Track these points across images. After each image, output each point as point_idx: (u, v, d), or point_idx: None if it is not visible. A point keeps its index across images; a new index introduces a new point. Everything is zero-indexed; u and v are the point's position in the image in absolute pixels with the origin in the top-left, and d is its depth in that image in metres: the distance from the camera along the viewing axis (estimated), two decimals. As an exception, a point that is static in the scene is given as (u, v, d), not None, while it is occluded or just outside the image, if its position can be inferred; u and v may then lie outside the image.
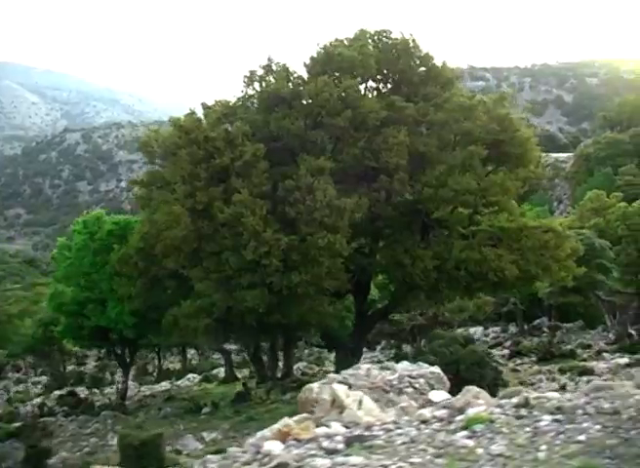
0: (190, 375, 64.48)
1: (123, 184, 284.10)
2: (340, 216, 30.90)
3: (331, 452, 7.41)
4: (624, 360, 37.67)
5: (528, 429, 7.37)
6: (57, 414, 45.02)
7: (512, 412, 8.03)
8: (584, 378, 31.97)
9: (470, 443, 7.17)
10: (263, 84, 35.37)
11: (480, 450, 6.85)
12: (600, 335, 60.52)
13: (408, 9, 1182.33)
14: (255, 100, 35.87)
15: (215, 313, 32.39)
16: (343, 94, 33.32)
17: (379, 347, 76.58)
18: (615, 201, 75.12)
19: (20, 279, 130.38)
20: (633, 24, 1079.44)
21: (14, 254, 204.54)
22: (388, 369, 12.32)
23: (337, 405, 9.75)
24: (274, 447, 7.80)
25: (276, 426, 8.53)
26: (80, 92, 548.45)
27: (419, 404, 10.76)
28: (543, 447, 6.68)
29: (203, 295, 32.44)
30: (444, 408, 8.78)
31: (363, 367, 12.51)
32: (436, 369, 12.50)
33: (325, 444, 7.67)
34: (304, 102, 34.11)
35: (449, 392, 28.72)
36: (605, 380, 31.61)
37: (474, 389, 10.09)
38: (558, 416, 7.60)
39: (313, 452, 7.44)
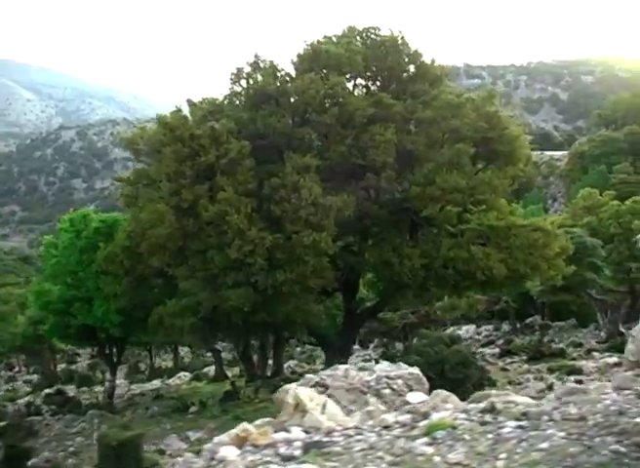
0: (181, 374, 64.16)
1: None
2: (325, 215, 30.71)
3: (287, 459, 7.15)
4: (613, 359, 37.41)
5: (490, 436, 7.12)
6: (43, 413, 44.68)
7: (477, 418, 7.75)
8: (572, 378, 31.75)
9: (429, 450, 6.92)
10: (250, 81, 35.14)
11: (437, 458, 6.60)
12: (592, 334, 60.35)
13: (403, 6, 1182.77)
14: (242, 98, 35.63)
15: (200, 312, 32.17)
16: (330, 91, 33.10)
17: (372, 345, 76.51)
18: (607, 199, 75.06)
19: (14, 276, 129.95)
20: (629, 23, 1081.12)
21: (8, 252, 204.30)
22: (367, 369, 12.07)
23: (300, 409, 9.53)
24: (229, 452, 7.51)
25: (234, 431, 8.29)
26: (75, 89, 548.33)
27: (396, 405, 10.56)
28: (503, 455, 6.43)
29: (188, 294, 32.25)
30: (408, 412, 8.52)
31: (341, 367, 12.23)
32: (415, 369, 12.19)
33: (282, 450, 7.41)
34: (291, 100, 33.85)
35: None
36: (592, 380, 31.47)
37: (443, 393, 9.85)
38: (523, 423, 7.31)
39: (268, 459, 7.18)
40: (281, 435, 8.02)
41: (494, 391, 11.98)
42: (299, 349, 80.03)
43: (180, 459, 7.96)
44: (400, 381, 11.94)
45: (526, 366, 42.59)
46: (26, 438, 34.84)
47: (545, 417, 7.28)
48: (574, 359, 42.98)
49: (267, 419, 9.51)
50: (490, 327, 75.54)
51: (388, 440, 7.52)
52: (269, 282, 30.21)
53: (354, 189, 33.76)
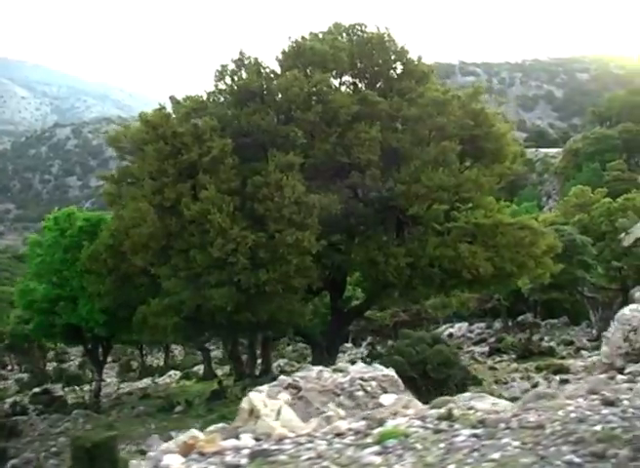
0: (172, 372, 64.08)
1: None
2: (308, 213, 30.45)
3: (232, 468, 6.91)
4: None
5: (442, 445, 6.88)
6: (29, 413, 44.39)
7: (433, 426, 7.48)
8: (557, 377, 31.54)
9: (377, 460, 6.69)
10: (235, 78, 34.84)
11: (384, 469, 6.38)
12: (584, 332, 60.27)
13: (398, 3, 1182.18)
14: (226, 95, 35.36)
15: (184, 311, 31.90)
16: (314, 88, 32.82)
17: (364, 343, 76.40)
18: (599, 197, 74.94)
19: (9, 275, 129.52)
20: (624, 20, 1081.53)
21: (3, 250, 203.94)
22: (342, 371, 11.87)
23: (255, 414, 9.30)
24: (173, 461, 7.24)
25: (182, 437, 8.07)
26: (70, 86, 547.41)
27: (369, 408, 10.35)
28: (452, 466, 6.20)
29: (171, 293, 31.95)
30: (363, 419, 8.28)
31: (315, 368, 12.02)
32: (390, 371, 11.97)
33: (229, 458, 7.16)
34: (275, 97, 33.55)
35: (416, 394, 28.21)
36: (579, 379, 31.23)
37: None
38: (478, 431, 7.05)
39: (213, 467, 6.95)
40: (230, 442, 7.75)
41: (470, 393, 11.73)
42: (290, 348, 79.89)
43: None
44: (374, 383, 11.69)
45: (514, 364, 42.42)
46: (9, 438, 34.59)
47: (502, 425, 7.01)
48: (563, 357, 42.80)
49: (221, 425, 9.27)
50: (482, 324, 75.38)
51: (338, 448, 7.26)
52: (252, 281, 29.91)
53: (339, 187, 33.49)
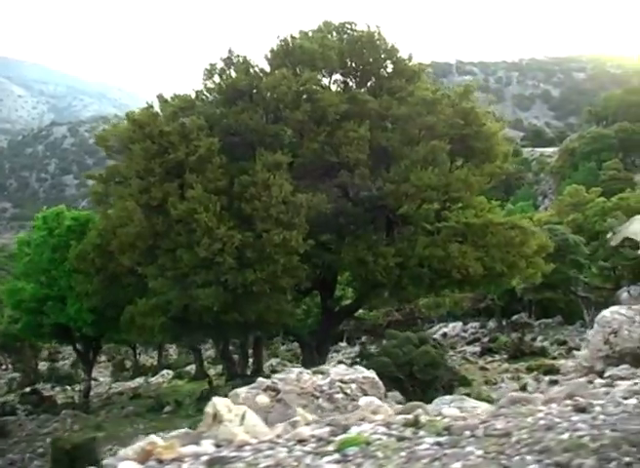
0: (165, 372, 63.69)
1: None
2: (296, 213, 30.28)
3: (187, 476, 6.69)
4: (593, 358, 37.03)
5: (403, 454, 6.66)
6: (18, 413, 44.10)
7: (397, 433, 7.23)
8: (546, 378, 31.31)
9: (335, 469, 6.51)
10: (224, 77, 34.65)
11: (340, 479, 6.18)
12: (578, 331, 59.99)
13: (395, 3, 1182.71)
14: (215, 94, 35.16)
15: (171, 311, 31.71)
16: (303, 87, 32.62)
17: (359, 342, 76.15)
18: (594, 196, 74.90)
19: (5, 273, 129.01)
20: (620, 20, 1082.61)
21: (0, 248, 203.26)
22: (322, 373, 11.69)
23: (218, 419, 9.08)
24: (128, 468, 7.02)
25: (140, 444, 7.84)
26: (67, 85, 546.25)
27: (348, 410, 10.15)
28: (410, 476, 6.01)
29: (158, 293, 31.78)
30: (328, 425, 8.05)
31: (294, 370, 11.83)
32: (370, 373, 11.78)
33: (186, 465, 6.91)
34: (264, 96, 33.32)
35: (404, 395, 27.98)
36: (569, 380, 30.97)
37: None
38: (443, 438, 6.81)
39: (168, 476, 6.73)
40: (189, 448, 7.49)
41: (451, 396, 11.52)
42: (284, 347, 79.61)
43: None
44: (354, 385, 11.48)
45: (506, 365, 42.24)
46: (-4, 438, 34.39)
47: (468, 433, 6.76)
48: (554, 358, 42.57)
49: (185, 430, 9.04)
50: (476, 324, 75.16)
51: (297, 456, 7.03)
52: (239, 281, 29.73)
53: (328, 187, 33.32)
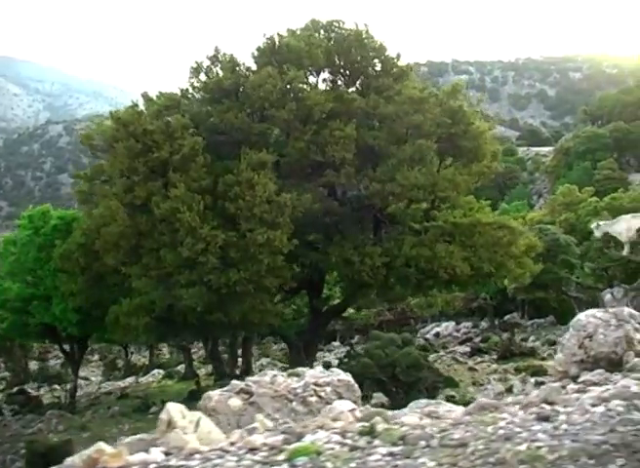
0: (156, 371, 63.47)
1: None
2: (280, 212, 30.02)
3: (132, 486, 6.44)
4: (581, 359, 36.75)
5: (353, 465, 6.44)
6: (4, 413, 43.79)
7: (352, 442, 6.97)
8: (532, 380, 31.03)
9: (282, 480, 6.27)
10: (210, 75, 34.41)
11: (285, 491, 5.95)
12: (570, 331, 59.68)
13: (391, 2, 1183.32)
14: (201, 92, 34.92)
15: (155, 311, 31.46)
16: (289, 85, 32.40)
17: (352, 341, 75.93)
18: (586, 195, 74.83)
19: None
20: (616, 20, 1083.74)
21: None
22: (298, 375, 11.45)
23: (172, 426, 8.83)
24: (74, 477, 6.76)
25: (87, 452, 7.59)
26: (63, 83, 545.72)
27: (322, 414, 9.92)
28: (357, 488, 5.77)
29: (142, 293, 31.53)
30: (282, 433, 7.79)
31: (269, 373, 11.58)
32: (346, 376, 11.51)
33: (132, 474, 6.71)
34: (250, 94, 33.03)
35: (388, 397, 27.61)
36: (554, 381, 30.72)
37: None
38: (397, 448, 6.56)
39: (113, 485, 6.47)
40: (138, 456, 7.24)
41: (425, 400, 11.26)
42: (276, 346, 79.37)
43: None
44: (328, 389, 11.19)
45: (495, 365, 42.02)
46: (-22, 439, 34.12)
47: (423, 443, 6.51)
48: (543, 358, 42.32)
49: (139, 436, 8.77)
50: (469, 324, 75.02)
51: (246, 465, 6.78)
52: (223, 281, 29.45)
53: (314, 186, 33.10)
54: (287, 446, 7.17)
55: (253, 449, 7.25)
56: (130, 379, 62.27)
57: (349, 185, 33.15)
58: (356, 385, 11.45)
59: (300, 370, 12.12)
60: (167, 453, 7.44)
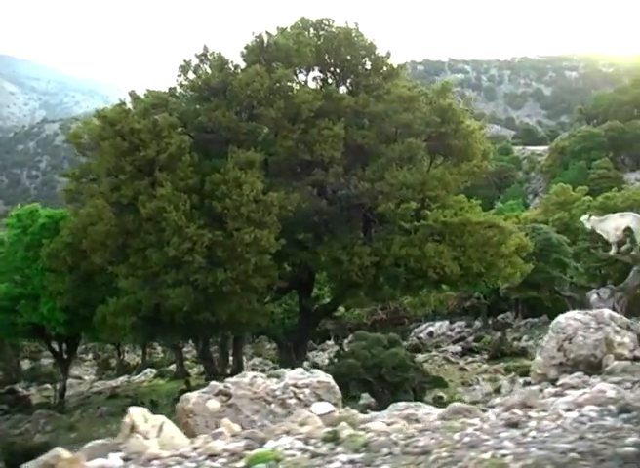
0: (148, 370, 63.20)
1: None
2: (267, 211, 29.80)
3: (89, 492, 6.28)
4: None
5: (312, 473, 6.28)
6: (-8, 413, 43.64)
7: (314, 448, 6.79)
8: (521, 380, 30.89)
9: (239, 487, 6.10)
10: (198, 73, 34.18)
11: (240, 499, 5.79)
12: (563, 331, 59.53)
13: (388, 1, 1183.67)
14: (189, 91, 34.68)
15: (142, 311, 31.25)
16: (277, 84, 32.20)
17: (346, 341, 75.75)
18: (580, 195, 74.71)
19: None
20: (612, 19, 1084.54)
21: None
22: (278, 376, 11.27)
23: (135, 430, 8.63)
24: (30, 484, 6.58)
25: (44, 457, 7.41)
26: (59, 82, 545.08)
27: (300, 416, 9.75)
28: (313, 498, 5.60)
29: (129, 293, 31.31)
30: (245, 438, 7.60)
31: (248, 374, 11.42)
32: (326, 377, 11.32)
33: (87, 481, 6.53)
34: (238, 93, 32.81)
35: (374, 398, 27.37)
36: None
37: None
38: (359, 456, 6.38)
39: (70, 492, 6.29)
40: (95, 463, 7.07)
41: (404, 403, 11.07)
42: (269, 346, 79.21)
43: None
44: (308, 390, 10.99)
45: (485, 365, 41.91)
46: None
47: (385, 450, 6.34)
48: (533, 358, 42.20)
49: (101, 441, 8.58)
50: (462, 323, 74.92)
51: (204, 472, 6.66)
52: (209, 280, 29.23)
53: (302, 185, 32.91)
54: (248, 452, 7.00)
55: (213, 456, 7.08)
56: (122, 378, 62.06)
57: (338, 184, 32.94)
58: (336, 387, 11.28)
59: (280, 371, 11.95)
60: (126, 459, 7.26)
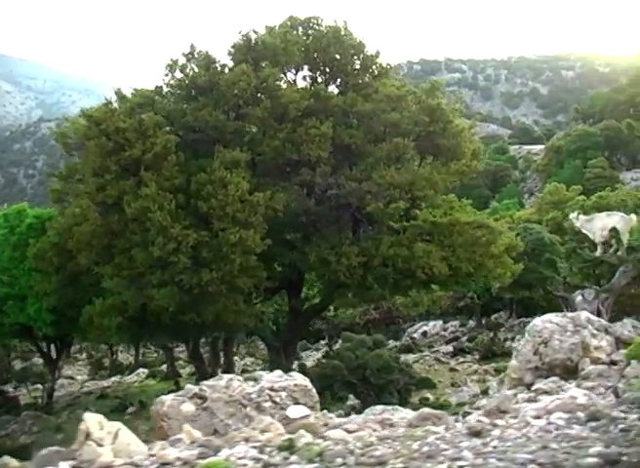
0: (140, 370, 63.06)
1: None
2: (253, 211, 29.60)
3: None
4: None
5: (259, 484, 6.09)
6: (-20, 414, 43.40)
7: (267, 457, 6.62)
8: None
9: (183, 498, 5.96)
10: (185, 72, 33.98)
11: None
12: (556, 331, 59.33)
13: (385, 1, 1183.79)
14: (176, 90, 34.49)
15: (128, 311, 31.06)
16: (264, 83, 32.02)
17: (340, 341, 75.60)
18: (574, 194, 74.56)
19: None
20: (609, 19, 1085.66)
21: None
22: (255, 379, 11.11)
23: (89, 437, 8.43)
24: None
25: (-7, 465, 7.27)
26: (55, 81, 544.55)
27: (276, 420, 9.59)
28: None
29: (115, 293, 31.14)
30: (200, 446, 7.41)
31: (225, 377, 11.30)
32: (303, 380, 11.18)
33: (33, 491, 6.41)
34: (225, 92, 32.61)
35: (359, 399, 27.15)
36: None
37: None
38: (312, 466, 6.21)
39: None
40: (47, 471, 6.99)
41: (381, 406, 10.89)
42: (263, 346, 79.06)
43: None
44: (284, 394, 10.85)
45: (476, 366, 41.74)
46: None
47: (339, 460, 6.16)
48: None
49: (56, 448, 8.41)
50: (456, 323, 74.74)
51: (152, 482, 6.52)
52: (194, 281, 29.01)
53: (290, 185, 32.75)
54: (201, 460, 6.81)
55: (165, 464, 6.90)
56: (115, 378, 61.91)
57: (326, 184, 32.75)
58: (314, 390, 11.12)
59: (258, 373, 11.81)
60: (76, 467, 7.09)
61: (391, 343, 61.87)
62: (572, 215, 37.76)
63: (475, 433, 6.38)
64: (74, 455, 7.60)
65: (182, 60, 34.16)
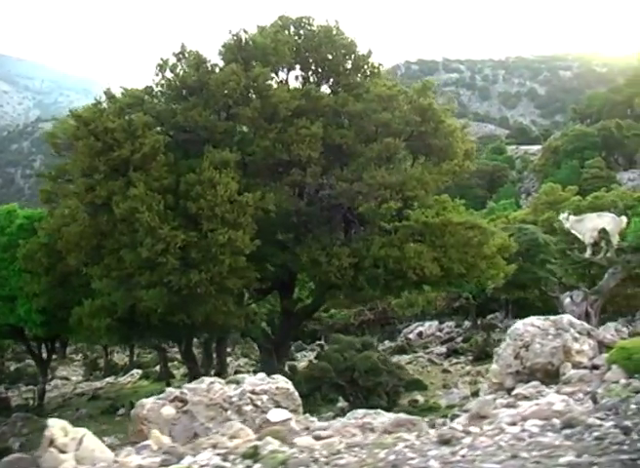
0: (135, 371, 62.94)
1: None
2: (242, 212, 29.40)
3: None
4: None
5: (218, 493, 5.96)
6: (-28, 416, 43.28)
7: (230, 465, 6.49)
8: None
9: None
10: (175, 72, 33.79)
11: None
12: (552, 331, 59.19)
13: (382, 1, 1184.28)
14: (166, 89, 34.31)
15: (117, 312, 30.90)
16: (254, 83, 31.86)
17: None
18: (570, 194, 74.60)
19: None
20: (607, 19, 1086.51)
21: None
22: (237, 382, 10.96)
23: (53, 444, 8.27)
24: None
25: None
26: (53, 81, 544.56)
27: (256, 424, 9.46)
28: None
29: (104, 294, 31.01)
30: (165, 453, 7.26)
31: (206, 379, 11.18)
32: (285, 383, 11.04)
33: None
34: (215, 92, 32.43)
35: (348, 402, 26.99)
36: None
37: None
38: (275, 475, 6.07)
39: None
40: (7, 479, 6.85)
41: (363, 410, 10.72)
42: (257, 347, 78.84)
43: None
44: (265, 397, 10.70)
45: (469, 367, 41.59)
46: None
47: (303, 469, 6.03)
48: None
49: (18, 455, 8.29)
50: (452, 323, 74.65)
51: (110, 489, 6.40)
52: (183, 282, 28.82)
53: (280, 185, 32.58)
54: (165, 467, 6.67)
55: (127, 472, 6.74)
56: (109, 379, 61.80)
57: (316, 184, 32.59)
58: (296, 393, 10.97)
59: (240, 376, 11.65)
60: (38, 475, 6.94)
61: (386, 344, 61.91)
62: (562, 216, 37.45)
63: (445, 441, 6.21)
64: (37, 462, 7.46)
65: (173, 60, 33.96)
